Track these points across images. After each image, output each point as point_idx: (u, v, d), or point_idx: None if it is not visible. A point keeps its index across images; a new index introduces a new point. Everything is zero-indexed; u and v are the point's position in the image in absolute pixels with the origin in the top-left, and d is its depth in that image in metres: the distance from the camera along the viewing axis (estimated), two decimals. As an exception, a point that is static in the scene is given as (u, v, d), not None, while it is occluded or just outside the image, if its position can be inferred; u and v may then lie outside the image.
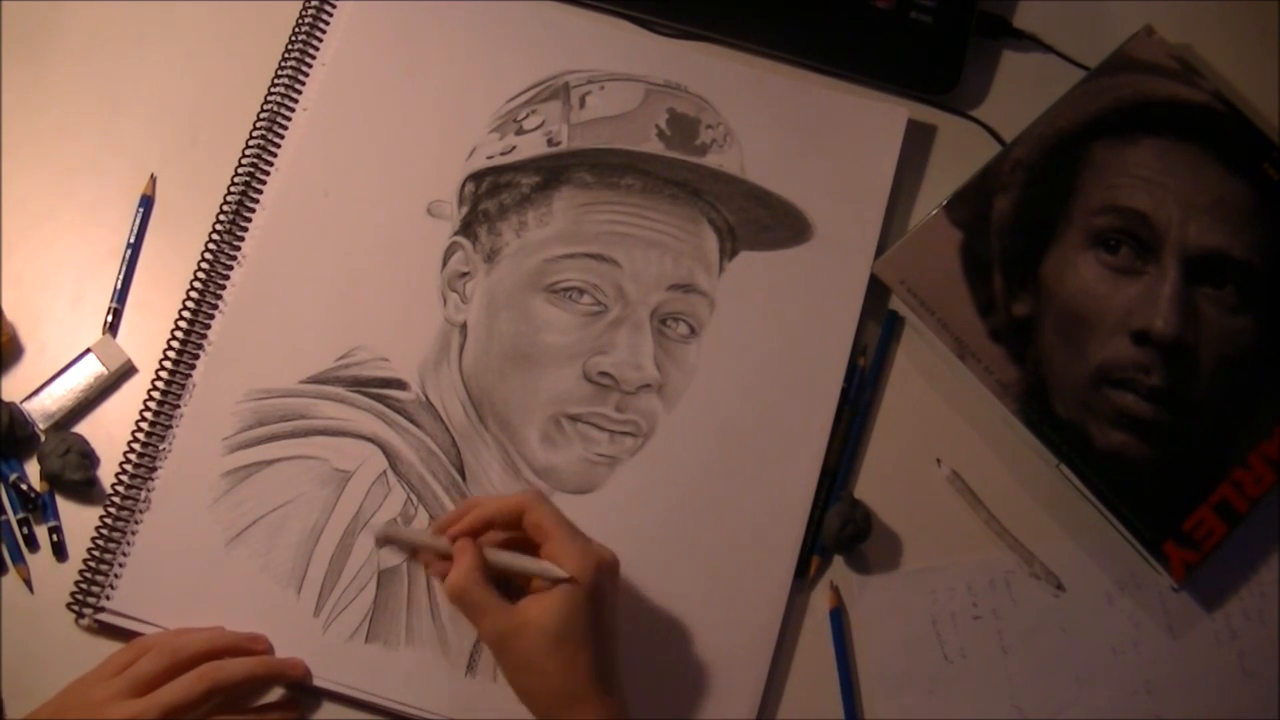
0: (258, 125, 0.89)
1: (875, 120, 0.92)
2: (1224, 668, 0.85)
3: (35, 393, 0.84)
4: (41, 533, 0.82)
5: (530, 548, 0.76)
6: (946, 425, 0.88)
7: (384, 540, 0.81)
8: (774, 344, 0.88)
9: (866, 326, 0.89)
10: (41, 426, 0.84)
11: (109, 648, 0.79)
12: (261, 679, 0.78)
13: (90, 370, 0.85)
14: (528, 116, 0.90)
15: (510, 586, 0.77)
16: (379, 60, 0.92)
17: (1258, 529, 0.86)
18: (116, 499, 0.82)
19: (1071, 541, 0.86)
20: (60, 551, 0.82)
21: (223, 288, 0.87)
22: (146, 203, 0.89)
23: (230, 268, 0.87)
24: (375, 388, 0.85)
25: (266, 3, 0.93)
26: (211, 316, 0.86)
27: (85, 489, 0.83)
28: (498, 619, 0.73)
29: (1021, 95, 0.93)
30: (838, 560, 0.85)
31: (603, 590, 0.74)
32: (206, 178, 0.89)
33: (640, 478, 0.85)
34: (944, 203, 0.89)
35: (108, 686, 0.74)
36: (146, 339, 0.86)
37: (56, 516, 0.83)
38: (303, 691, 0.80)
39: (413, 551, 0.81)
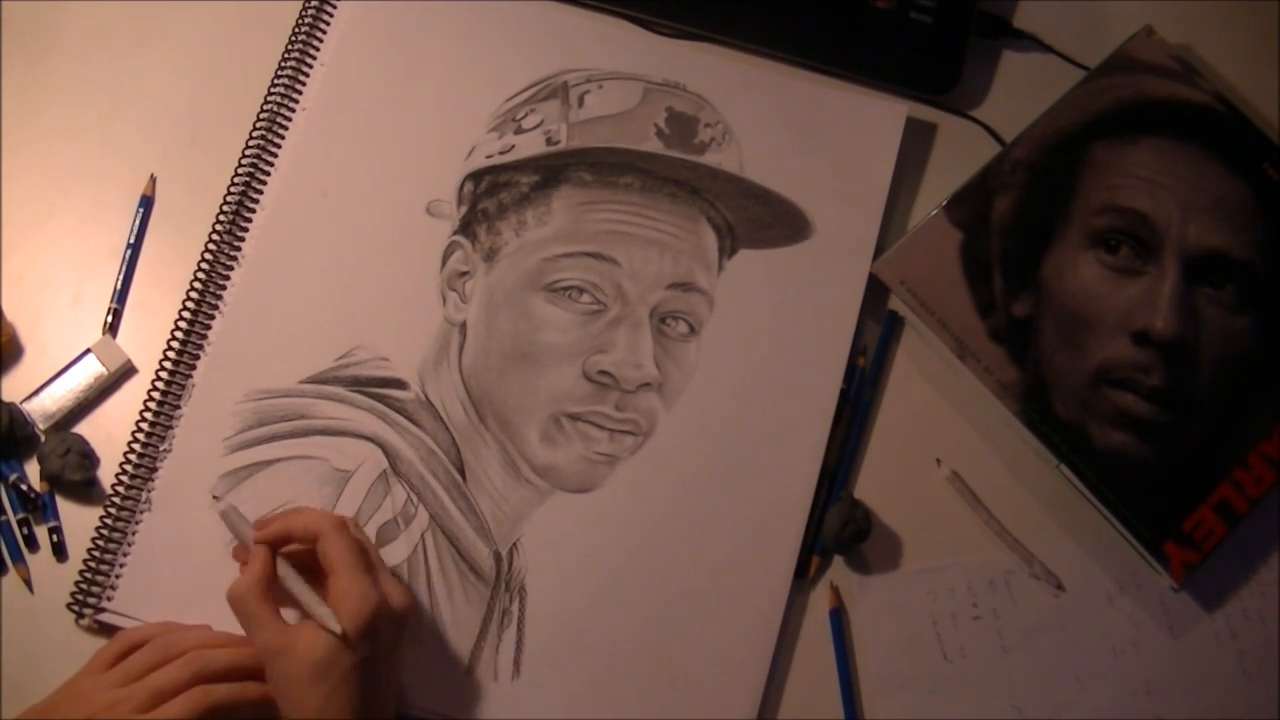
0: (258, 125, 0.90)
1: (874, 117, 0.92)
2: (1224, 668, 0.85)
3: (35, 393, 0.84)
4: (41, 533, 0.82)
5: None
6: (946, 425, 0.88)
7: (225, 517, 0.79)
8: (773, 343, 0.88)
9: (866, 326, 0.89)
10: (41, 427, 0.84)
11: (109, 649, 0.79)
12: (247, 669, 0.77)
13: (90, 370, 0.85)
14: (526, 115, 0.90)
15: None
16: (379, 60, 0.92)
17: (1258, 529, 0.86)
18: (116, 499, 0.82)
19: (1071, 541, 0.86)
20: (60, 552, 0.82)
21: (223, 288, 0.87)
22: (146, 203, 0.89)
23: (230, 268, 0.87)
24: (375, 387, 0.85)
25: (266, 3, 0.93)
26: (211, 317, 0.86)
27: (85, 489, 0.83)
28: (269, 635, 0.73)
29: (1021, 95, 0.93)
30: (838, 560, 0.85)
31: (376, 636, 0.72)
32: (206, 178, 0.89)
33: (640, 476, 0.85)
34: (944, 203, 0.89)
35: (99, 679, 0.75)
36: (146, 339, 0.86)
37: (56, 517, 0.83)
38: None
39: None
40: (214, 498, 0.82)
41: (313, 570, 0.76)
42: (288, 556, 0.77)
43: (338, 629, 0.71)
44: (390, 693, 0.75)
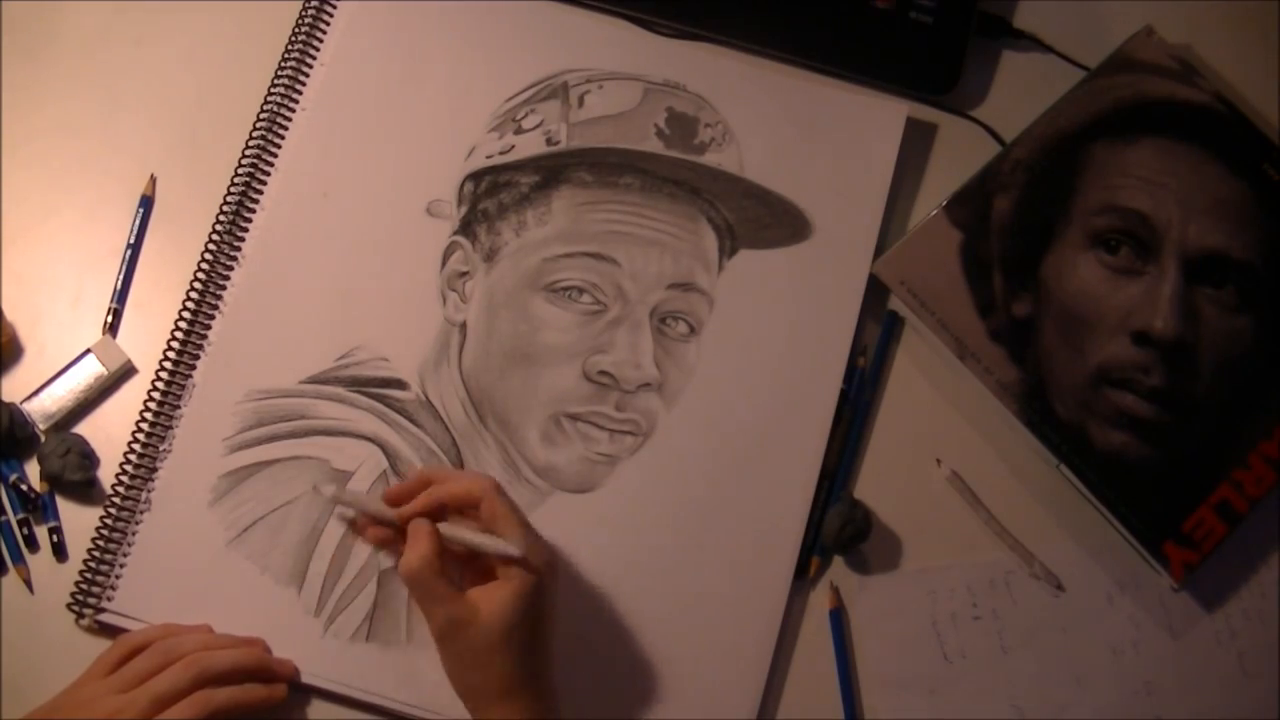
0: (258, 125, 0.90)
1: (874, 117, 0.92)
2: (1224, 668, 0.85)
3: (35, 393, 0.84)
4: (41, 533, 0.82)
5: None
6: (946, 425, 0.88)
7: (336, 501, 0.81)
8: (774, 343, 0.88)
9: (866, 326, 0.89)
10: (41, 427, 0.84)
11: (109, 649, 0.79)
12: (247, 669, 0.77)
13: (90, 370, 0.85)
14: (526, 116, 0.90)
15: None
16: (379, 60, 0.92)
17: (1258, 529, 0.86)
18: (116, 499, 0.82)
19: (1071, 541, 0.86)
20: (60, 552, 0.82)
21: (223, 288, 0.87)
22: (146, 203, 0.89)
23: (230, 268, 0.87)
24: (375, 387, 0.85)
25: (266, 3, 0.93)
26: (211, 316, 0.86)
27: (85, 489, 0.83)
28: (450, 607, 0.73)
29: (1021, 95, 0.93)
30: (838, 560, 0.85)
31: (549, 587, 0.75)
32: (206, 178, 0.89)
33: (640, 477, 0.85)
34: (944, 203, 0.89)
35: (100, 685, 0.75)
36: (146, 339, 0.86)
37: (56, 517, 0.83)
38: (303, 691, 0.80)
39: (354, 521, 0.81)
40: (315, 489, 0.82)
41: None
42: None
43: (518, 551, 0.72)
44: (552, 649, 0.76)
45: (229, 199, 0.88)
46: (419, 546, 0.74)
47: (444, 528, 0.76)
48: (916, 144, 0.93)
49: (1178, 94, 0.91)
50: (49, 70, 0.91)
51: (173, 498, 0.82)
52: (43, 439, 0.83)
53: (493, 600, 0.73)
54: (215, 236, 0.87)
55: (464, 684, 0.74)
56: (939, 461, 0.87)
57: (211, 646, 0.77)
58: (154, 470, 0.83)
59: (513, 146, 0.90)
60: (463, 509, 0.77)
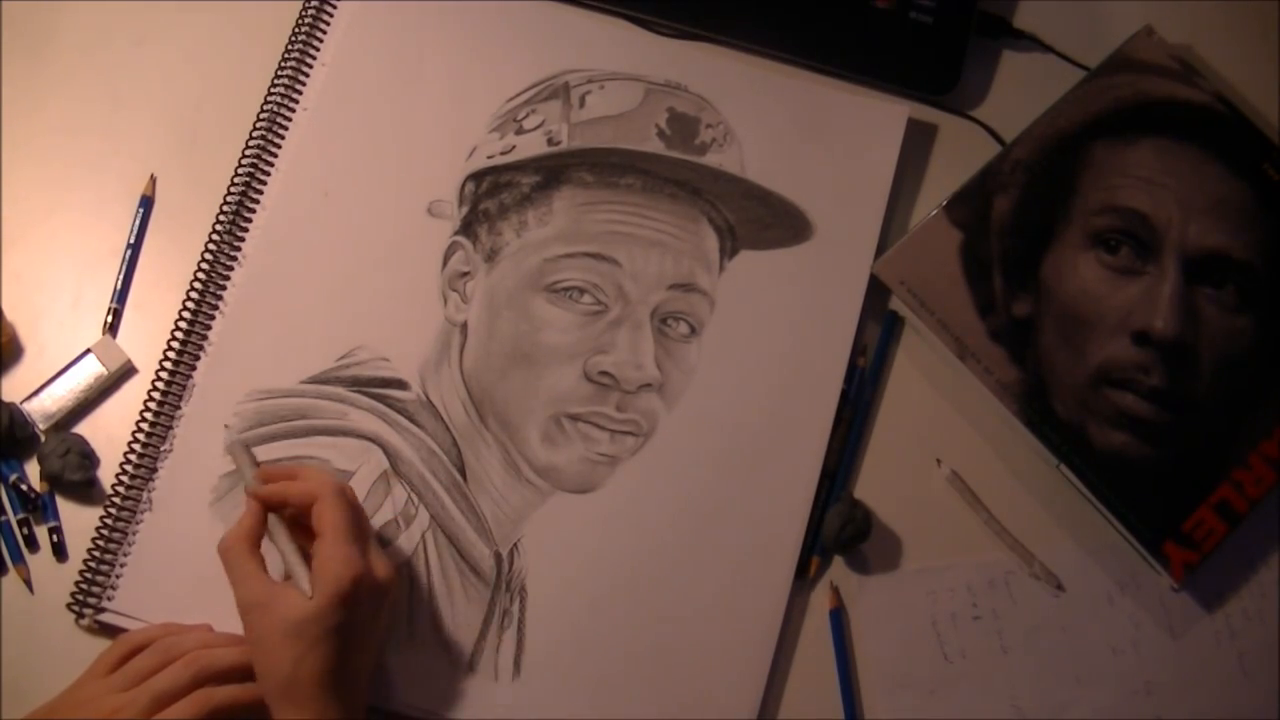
0: (258, 125, 0.89)
1: (875, 119, 0.92)
2: (1224, 668, 0.85)
3: (35, 393, 0.84)
4: (41, 533, 0.82)
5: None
6: (946, 425, 0.88)
7: (230, 451, 0.80)
8: (774, 343, 0.88)
9: (866, 326, 0.89)
10: (42, 427, 0.84)
11: (109, 649, 0.79)
12: (247, 668, 0.77)
13: (90, 370, 0.85)
14: (528, 116, 0.90)
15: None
16: (379, 60, 0.92)
17: (1258, 529, 0.86)
18: (117, 499, 0.82)
19: (1071, 541, 0.86)
20: (60, 552, 0.82)
21: (223, 288, 0.87)
22: (146, 203, 0.89)
23: (230, 268, 0.87)
24: (376, 387, 0.85)
25: (266, 2, 0.93)
26: (211, 317, 0.86)
27: (85, 489, 0.83)
28: (250, 589, 0.73)
29: (1021, 95, 0.93)
30: (838, 560, 0.85)
31: (355, 604, 0.72)
32: (206, 178, 0.89)
33: (641, 477, 0.85)
34: (944, 203, 0.89)
35: (101, 684, 0.75)
36: (146, 339, 0.86)
37: (56, 517, 0.83)
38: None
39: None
40: (225, 427, 0.83)
41: (309, 528, 0.76)
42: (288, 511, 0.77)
43: (308, 592, 0.72)
44: (366, 662, 0.75)
45: (229, 199, 0.88)
46: (240, 523, 0.76)
47: (275, 528, 0.76)
48: (917, 144, 0.93)
49: (1178, 94, 0.91)
50: (49, 70, 0.91)
51: (173, 498, 0.82)
52: (43, 439, 0.83)
53: (290, 597, 0.72)
54: (215, 236, 0.87)
55: (255, 663, 0.74)
56: (939, 461, 0.87)
57: (212, 645, 0.77)
58: (154, 470, 0.83)
59: (514, 147, 0.90)
60: (302, 506, 0.76)
